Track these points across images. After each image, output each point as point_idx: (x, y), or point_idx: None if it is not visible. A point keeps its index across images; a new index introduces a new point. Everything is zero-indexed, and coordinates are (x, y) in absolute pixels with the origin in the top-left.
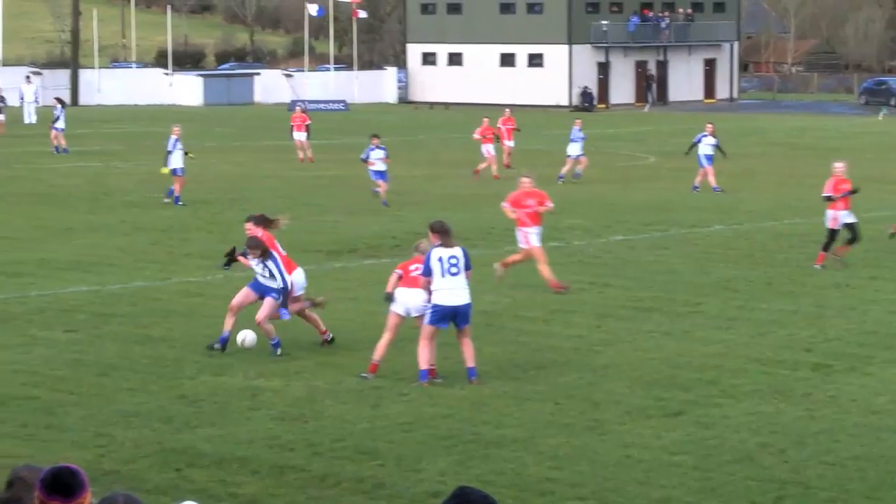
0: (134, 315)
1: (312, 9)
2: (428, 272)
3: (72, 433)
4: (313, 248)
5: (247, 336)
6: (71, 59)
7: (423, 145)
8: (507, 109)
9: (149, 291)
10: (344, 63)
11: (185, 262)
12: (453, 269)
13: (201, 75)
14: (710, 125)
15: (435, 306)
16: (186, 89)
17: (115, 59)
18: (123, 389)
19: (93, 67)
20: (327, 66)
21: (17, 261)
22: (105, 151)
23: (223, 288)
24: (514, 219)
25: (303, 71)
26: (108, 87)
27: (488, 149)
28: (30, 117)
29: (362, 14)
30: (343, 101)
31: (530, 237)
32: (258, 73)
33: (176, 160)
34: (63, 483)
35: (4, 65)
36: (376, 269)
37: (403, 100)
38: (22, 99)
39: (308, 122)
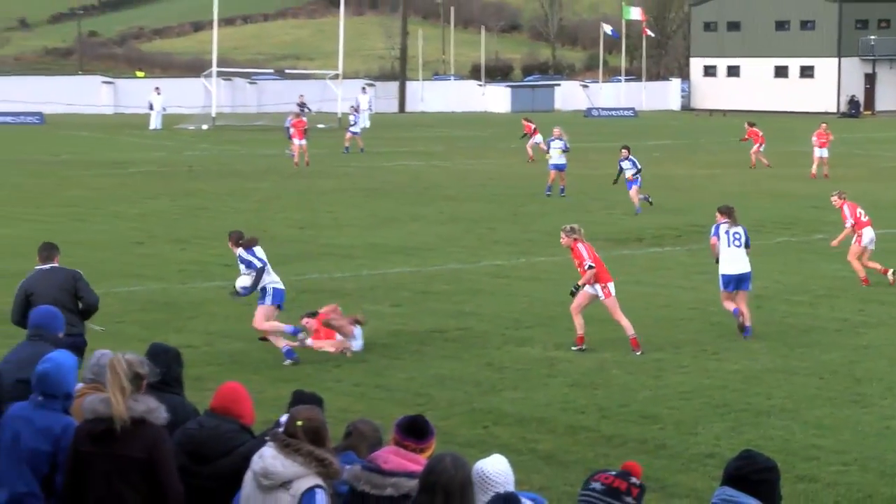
0: (448, 293)
1: (607, 29)
2: (717, 236)
3: (396, 392)
4: (602, 237)
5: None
6: (399, 73)
7: (703, 148)
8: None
9: (462, 273)
10: (633, 75)
11: (492, 248)
12: (736, 242)
13: (509, 86)
14: None
15: (723, 276)
16: (496, 98)
17: (437, 73)
18: (439, 356)
19: (417, 80)
20: (619, 77)
21: (351, 244)
22: (427, 152)
23: (526, 270)
24: None
25: (597, 82)
26: (430, 96)
27: (821, 153)
28: (364, 122)
29: (650, 32)
30: (632, 109)
31: None
32: (558, 84)
33: (556, 157)
34: (417, 428)
35: (344, 78)
36: (659, 257)
37: (686, 108)
38: (357, 107)
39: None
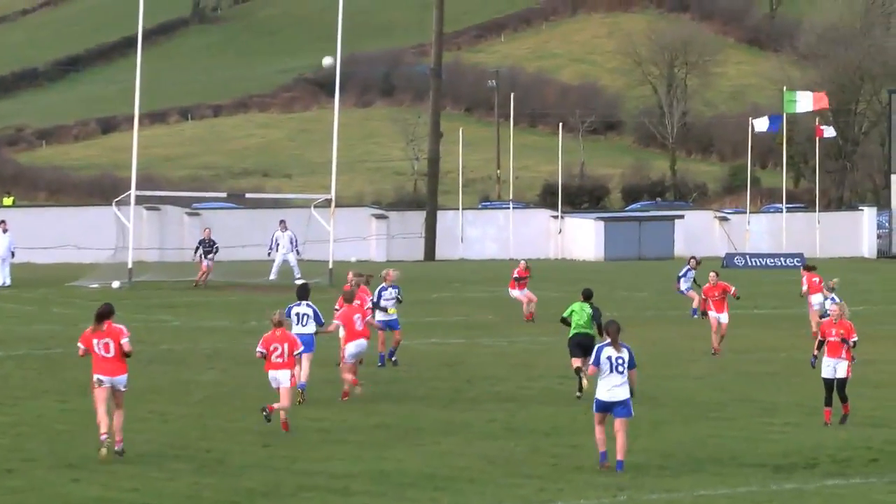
0: None
1: (761, 124)
2: (597, 363)
3: None
4: (754, 462)
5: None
6: (427, 198)
7: None
8: None
9: None
10: (800, 202)
11: (573, 477)
12: (620, 368)
13: (601, 218)
14: None
15: (597, 401)
16: (580, 237)
17: (486, 197)
18: None
19: (455, 208)
20: (777, 205)
21: (347, 473)
22: (466, 324)
23: None
24: None
25: (744, 212)
26: (475, 234)
27: None
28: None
29: (828, 131)
30: (800, 256)
31: None
32: (681, 216)
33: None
34: None
35: (340, 205)
36: (843, 495)
37: (885, 253)
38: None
39: None
